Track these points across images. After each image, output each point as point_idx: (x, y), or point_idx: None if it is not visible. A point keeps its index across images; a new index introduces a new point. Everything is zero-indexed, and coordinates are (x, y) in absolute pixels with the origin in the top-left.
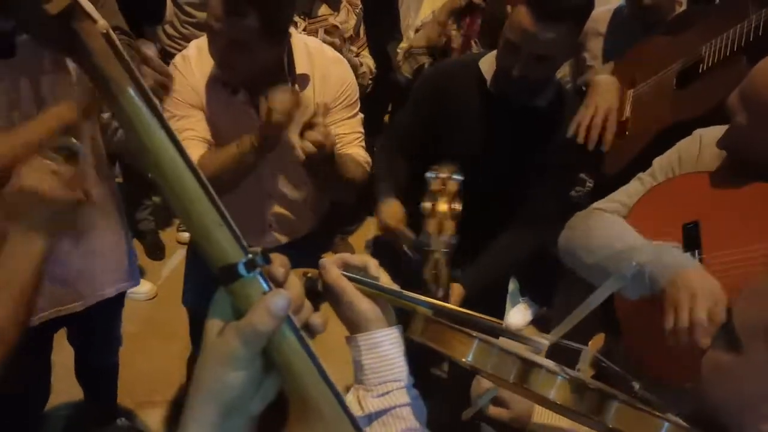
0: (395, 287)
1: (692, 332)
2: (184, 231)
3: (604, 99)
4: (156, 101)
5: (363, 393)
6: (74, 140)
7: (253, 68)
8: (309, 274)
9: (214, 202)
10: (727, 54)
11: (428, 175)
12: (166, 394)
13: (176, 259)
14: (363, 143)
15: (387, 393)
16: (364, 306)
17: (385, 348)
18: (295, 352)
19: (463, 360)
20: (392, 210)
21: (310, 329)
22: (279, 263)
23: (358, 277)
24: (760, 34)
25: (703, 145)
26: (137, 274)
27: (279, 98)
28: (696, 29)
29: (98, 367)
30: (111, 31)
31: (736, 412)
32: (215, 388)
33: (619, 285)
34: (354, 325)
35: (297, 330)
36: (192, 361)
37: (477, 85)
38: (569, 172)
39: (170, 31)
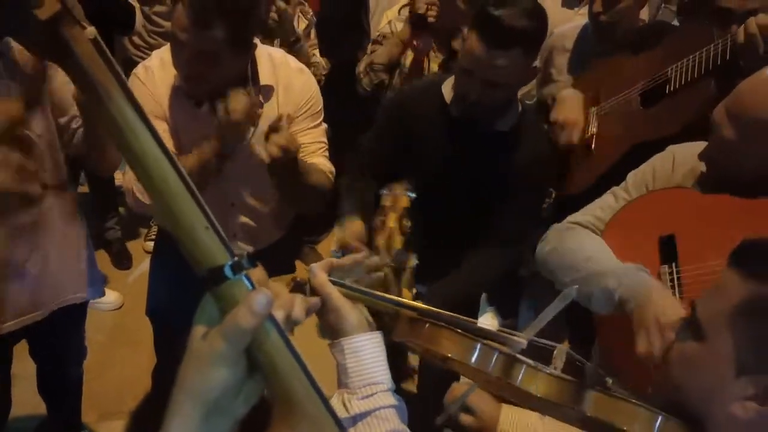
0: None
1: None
2: (151, 240)
3: (570, 112)
4: (142, 106)
5: (348, 396)
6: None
7: (219, 79)
8: (298, 279)
9: (200, 205)
10: (695, 76)
11: (382, 191)
12: (133, 405)
13: (143, 268)
14: (326, 153)
15: (371, 395)
16: (349, 311)
17: (369, 351)
18: (279, 351)
19: (449, 356)
20: (351, 226)
21: (289, 322)
22: (254, 279)
23: (344, 282)
24: (728, 58)
25: (676, 162)
26: (100, 285)
27: (235, 98)
28: (659, 50)
29: (61, 380)
30: (99, 37)
31: (705, 396)
32: (198, 387)
33: (567, 302)
34: (337, 331)
35: (281, 329)
36: (156, 372)
37: (439, 108)
38: (536, 194)
39: (137, 40)
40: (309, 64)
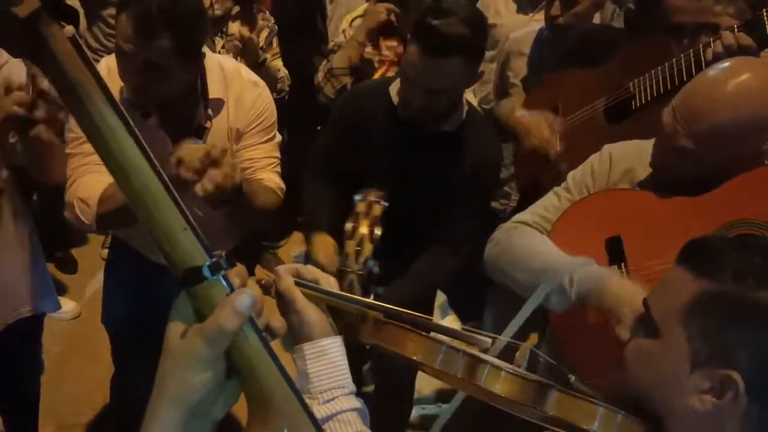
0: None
1: None
2: (107, 248)
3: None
4: (121, 106)
5: (309, 401)
6: None
7: (167, 91)
8: (263, 281)
9: (179, 205)
10: (661, 92)
11: (356, 197)
12: (91, 416)
13: (100, 276)
14: (278, 168)
15: (333, 399)
16: (313, 315)
17: (332, 355)
18: (257, 352)
19: (414, 358)
20: (323, 245)
21: (270, 332)
22: (235, 273)
23: (310, 284)
24: (693, 73)
25: (613, 161)
26: (55, 298)
27: (189, 155)
28: (616, 62)
29: (18, 396)
30: (77, 37)
31: (663, 392)
32: (179, 391)
33: (546, 291)
34: (299, 334)
35: (259, 331)
36: (114, 383)
37: (387, 109)
38: (483, 193)
39: (94, 44)
40: (277, 80)
